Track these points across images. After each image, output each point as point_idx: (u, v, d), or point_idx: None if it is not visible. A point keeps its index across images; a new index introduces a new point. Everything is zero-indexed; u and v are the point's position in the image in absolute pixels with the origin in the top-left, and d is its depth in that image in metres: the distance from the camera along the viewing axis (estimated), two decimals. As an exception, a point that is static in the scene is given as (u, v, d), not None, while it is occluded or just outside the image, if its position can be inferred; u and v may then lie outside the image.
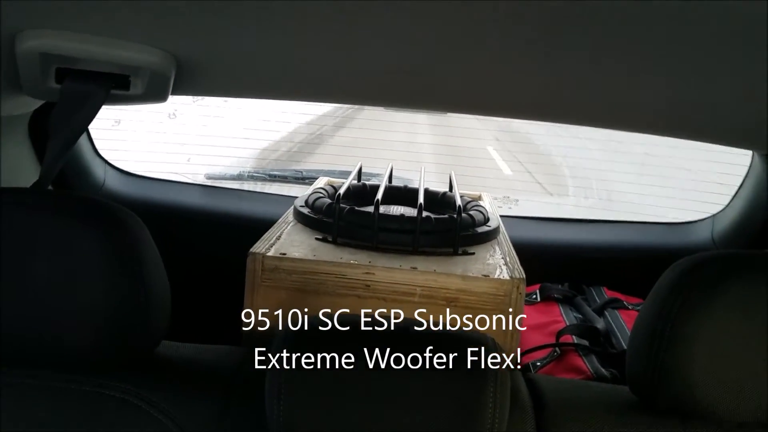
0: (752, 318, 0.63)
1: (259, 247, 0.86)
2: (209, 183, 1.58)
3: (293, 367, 0.62)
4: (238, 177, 1.67)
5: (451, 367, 0.63)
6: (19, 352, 0.66)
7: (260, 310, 0.85)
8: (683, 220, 1.45)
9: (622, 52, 0.64)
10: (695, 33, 0.57)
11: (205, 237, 1.40)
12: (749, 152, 1.28)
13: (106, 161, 1.42)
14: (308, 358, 0.63)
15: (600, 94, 0.80)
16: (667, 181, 1.73)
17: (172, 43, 0.72)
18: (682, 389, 0.65)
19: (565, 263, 1.36)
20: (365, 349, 0.64)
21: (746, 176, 1.31)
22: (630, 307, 1.20)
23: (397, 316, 0.69)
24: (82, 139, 1.32)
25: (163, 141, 1.79)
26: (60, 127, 0.77)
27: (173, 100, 0.87)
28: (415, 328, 0.67)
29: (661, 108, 0.83)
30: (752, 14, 0.52)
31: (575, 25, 0.58)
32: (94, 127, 1.35)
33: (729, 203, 1.36)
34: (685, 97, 0.77)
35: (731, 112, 0.80)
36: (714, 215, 1.39)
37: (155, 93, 0.80)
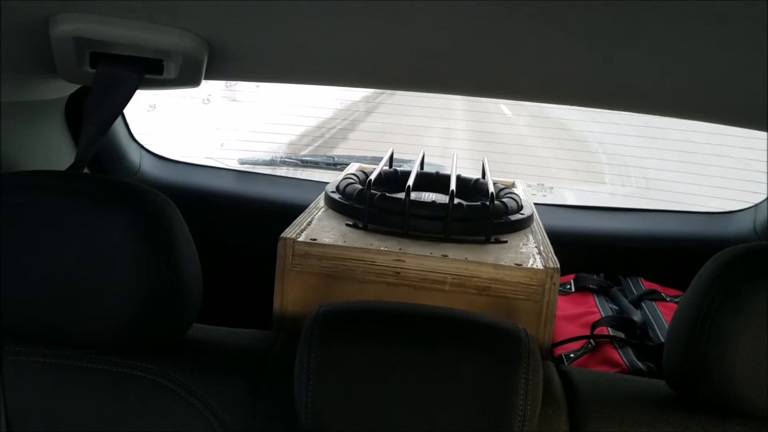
0: None
1: (289, 233, 0.86)
2: (242, 168, 1.59)
3: (322, 352, 0.62)
4: (271, 162, 1.68)
5: (482, 357, 0.62)
6: (52, 334, 0.67)
7: (290, 296, 0.85)
8: (724, 210, 1.41)
9: (644, 32, 0.62)
10: (717, 11, 0.55)
11: (237, 222, 1.41)
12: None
13: (141, 146, 1.43)
14: (337, 343, 0.63)
15: (622, 75, 0.78)
16: (707, 169, 1.68)
17: (205, 27, 0.72)
18: (722, 384, 0.63)
19: (601, 253, 1.33)
20: (395, 337, 0.63)
21: (791, 164, 1.26)
22: (668, 298, 1.17)
23: (427, 305, 0.69)
24: (118, 124, 1.34)
25: (197, 126, 1.81)
26: (95, 111, 0.77)
27: (207, 85, 0.87)
28: (446, 317, 0.66)
29: (691, 90, 0.80)
30: None
31: (588, 6, 0.57)
32: (129, 112, 1.37)
33: (772, 192, 1.31)
34: (697, 77, 0.74)
35: (744, 92, 0.77)
36: (756, 205, 1.35)
37: (188, 77, 0.80)
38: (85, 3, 0.67)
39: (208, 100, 1.95)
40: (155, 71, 0.79)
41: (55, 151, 1.10)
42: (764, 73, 0.68)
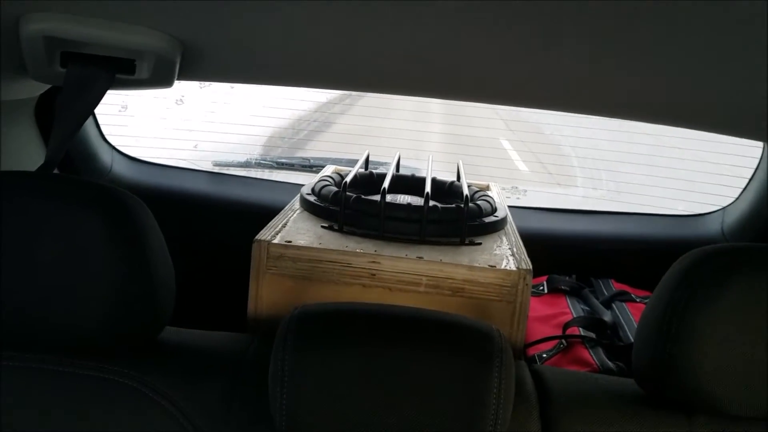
0: (761, 311, 0.63)
1: (264, 235, 0.86)
2: (216, 170, 1.58)
3: (297, 354, 0.62)
4: (246, 164, 1.66)
5: (455, 357, 0.62)
6: (24, 336, 0.66)
7: (265, 298, 0.84)
8: (693, 213, 1.44)
9: (629, 39, 0.63)
10: (701, 20, 0.56)
11: (211, 224, 1.40)
12: (761, 144, 1.27)
13: (113, 147, 1.42)
14: (313, 345, 0.63)
15: (606, 82, 0.79)
16: (677, 173, 1.72)
17: (178, 27, 0.72)
18: (688, 382, 0.65)
19: (573, 255, 1.35)
20: (369, 338, 0.63)
21: (757, 168, 1.29)
22: (638, 299, 1.19)
23: (402, 305, 0.69)
24: (89, 125, 1.32)
25: (170, 127, 1.79)
26: (65, 111, 0.76)
27: (180, 85, 0.86)
28: (420, 318, 0.66)
29: (673, 98, 0.82)
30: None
31: (580, 12, 0.57)
32: (100, 113, 1.35)
33: (739, 196, 1.34)
34: (696, 86, 0.76)
35: (741, 102, 0.79)
36: (724, 208, 1.38)
37: (161, 78, 0.80)
38: (56, 2, 0.67)
39: (181, 100, 1.93)
40: (127, 71, 0.78)
41: (25, 151, 1.08)
42: (764, 86, 0.69)
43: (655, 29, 0.60)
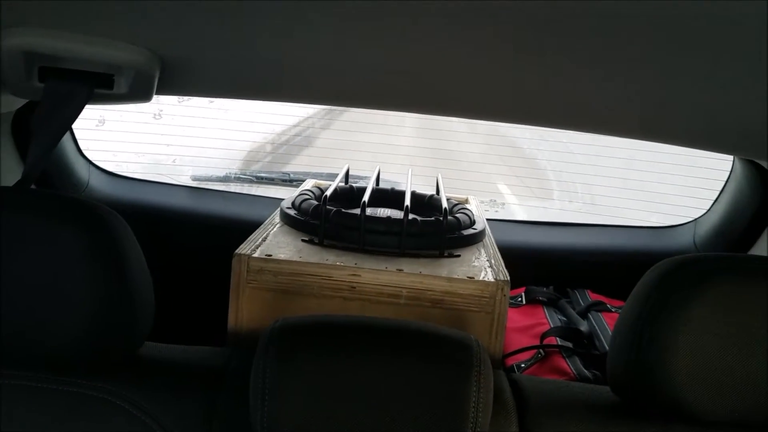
0: (731, 319, 0.64)
1: (244, 249, 0.86)
2: (195, 185, 1.57)
3: (278, 366, 0.62)
4: (225, 179, 1.66)
5: (435, 366, 0.63)
6: (1, 352, 0.65)
7: (245, 312, 0.84)
8: (666, 224, 1.47)
9: (613, 56, 0.65)
10: (686, 38, 0.58)
11: (190, 239, 1.39)
12: (730, 158, 1.30)
13: (90, 161, 1.41)
14: (293, 358, 0.63)
15: (590, 98, 0.81)
16: (650, 186, 1.75)
17: (157, 42, 0.72)
18: (661, 390, 0.66)
19: (550, 266, 1.37)
20: (350, 349, 0.64)
21: (727, 181, 1.33)
22: (613, 309, 1.21)
23: (381, 317, 0.70)
24: (66, 139, 1.31)
25: (148, 142, 1.78)
26: (43, 126, 0.76)
27: (158, 100, 0.87)
28: (401, 329, 0.67)
29: (653, 113, 0.83)
30: (744, 18, 0.52)
31: (565, 28, 0.59)
32: (78, 128, 1.34)
33: (711, 207, 1.38)
34: (672, 102, 0.78)
35: (713, 118, 0.82)
36: (696, 219, 1.41)
37: (140, 92, 0.80)
38: (35, 17, 0.67)
39: (159, 115, 1.92)
40: (105, 86, 0.78)
41: (1, 166, 1.07)
42: (748, 102, 0.71)
43: (636, 47, 0.61)
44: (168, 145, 1.88)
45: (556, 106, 0.85)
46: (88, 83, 0.76)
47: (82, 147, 1.38)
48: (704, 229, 1.37)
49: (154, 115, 1.88)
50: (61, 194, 0.68)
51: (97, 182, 1.41)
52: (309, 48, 0.71)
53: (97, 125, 1.63)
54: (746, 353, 0.64)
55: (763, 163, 1.17)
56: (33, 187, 0.82)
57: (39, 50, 0.71)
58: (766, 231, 1.23)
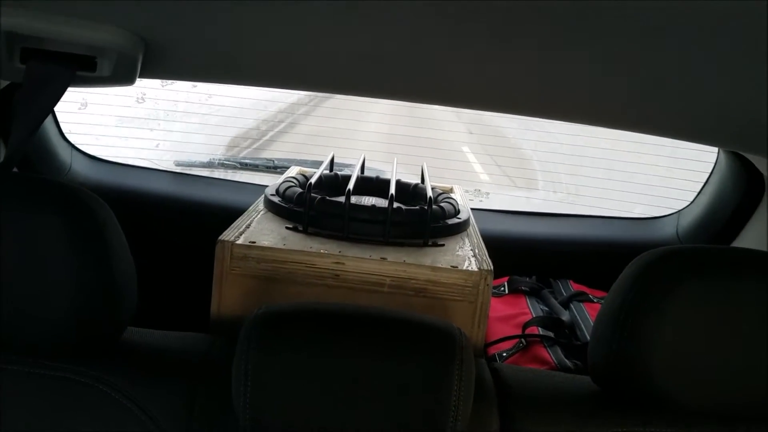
0: (712, 311, 0.65)
1: (228, 235, 0.86)
2: (178, 170, 1.56)
3: (261, 353, 0.62)
4: (208, 164, 1.65)
5: (417, 355, 0.63)
6: None
7: (228, 298, 0.84)
8: (649, 216, 1.48)
9: (596, 45, 0.65)
10: (670, 28, 0.58)
11: (173, 224, 1.38)
12: (715, 150, 1.31)
13: (72, 145, 1.39)
14: (276, 345, 0.63)
15: (573, 88, 0.81)
16: (634, 177, 1.76)
17: (140, 25, 0.71)
18: (641, 379, 0.67)
19: (534, 256, 1.38)
20: (332, 336, 0.64)
21: (711, 173, 1.34)
22: (595, 300, 1.22)
23: (365, 306, 0.70)
24: (48, 123, 1.30)
25: (131, 126, 1.76)
26: (25, 108, 0.75)
27: (141, 83, 0.86)
28: (384, 317, 0.67)
29: (637, 104, 0.84)
30: (730, 8, 0.52)
31: (549, 16, 0.59)
32: (60, 110, 1.33)
33: (694, 200, 1.39)
34: (657, 93, 0.78)
35: (698, 109, 0.82)
36: (679, 211, 1.42)
37: (122, 75, 0.79)
38: None
39: (142, 99, 1.90)
40: (88, 68, 0.77)
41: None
42: (738, 95, 0.72)
43: (621, 37, 0.61)
44: (151, 129, 1.86)
45: (540, 95, 0.85)
46: (70, 65, 0.75)
47: (64, 130, 1.36)
48: (687, 220, 1.38)
49: (138, 98, 1.86)
50: (44, 178, 0.68)
51: (79, 166, 1.39)
52: (295, 33, 0.71)
53: (79, 108, 1.61)
54: (727, 345, 0.65)
55: (748, 156, 1.18)
56: (14, 170, 0.81)
57: (20, 31, 0.69)
58: (748, 223, 1.25)
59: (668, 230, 1.41)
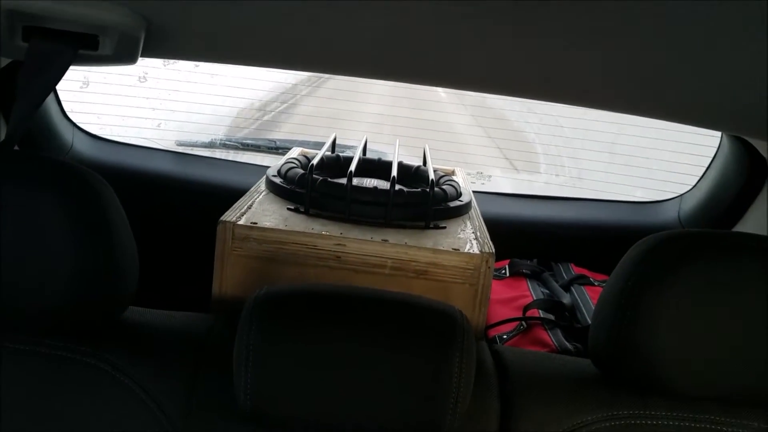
0: (712, 296, 0.65)
1: (229, 216, 0.86)
2: (180, 150, 1.56)
3: (262, 334, 0.63)
4: (210, 145, 1.64)
5: (418, 337, 0.64)
6: None
7: (230, 279, 0.84)
8: (651, 200, 1.48)
9: (598, 28, 0.64)
10: (674, 10, 0.58)
11: (174, 204, 1.39)
12: (718, 134, 1.31)
13: (74, 124, 1.39)
14: (277, 326, 0.63)
15: (575, 70, 0.80)
16: (636, 161, 1.76)
17: (142, 3, 0.71)
18: (642, 363, 0.67)
19: (535, 239, 1.38)
20: (333, 318, 0.64)
21: (714, 157, 1.34)
22: (596, 283, 1.22)
23: (366, 287, 0.70)
24: (50, 101, 1.29)
25: (132, 105, 1.76)
26: (27, 86, 0.75)
27: (143, 62, 0.85)
28: (385, 299, 0.67)
29: (640, 87, 0.83)
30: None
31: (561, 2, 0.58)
32: (62, 89, 1.32)
33: (696, 184, 1.39)
34: (660, 76, 0.77)
35: (702, 93, 0.82)
36: (681, 195, 1.42)
37: (124, 54, 0.78)
38: None
39: (144, 78, 1.89)
40: (90, 47, 0.76)
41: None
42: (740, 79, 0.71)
43: (623, 19, 0.61)
44: (153, 108, 1.85)
45: (543, 78, 0.85)
46: (72, 44, 0.75)
47: (66, 109, 1.36)
48: (689, 205, 1.38)
49: (139, 77, 1.85)
50: (45, 156, 0.67)
51: (80, 145, 1.39)
52: (299, 13, 0.70)
53: (81, 87, 1.60)
54: (728, 330, 0.65)
55: (751, 141, 1.17)
56: (16, 148, 0.81)
57: (22, 9, 0.69)
58: (750, 208, 1.25)
59: (670, 214, 1.41)
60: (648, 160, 1.72)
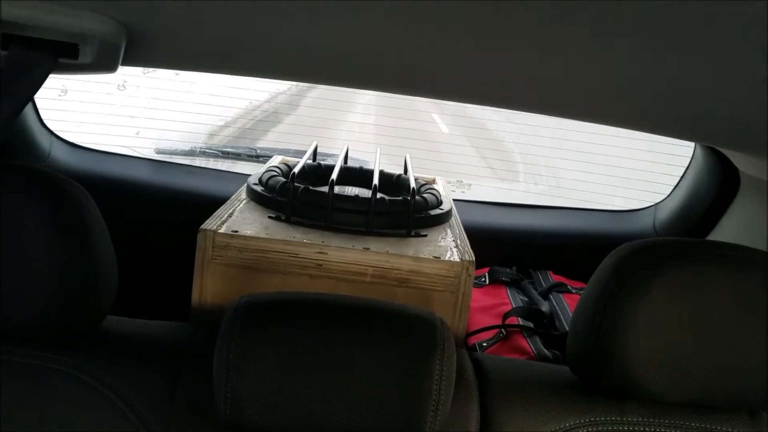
0: (688, 303, 0.66)
1: (210, 224, 0.86)
2: (159, 158, 1.55)
3: (242, 343, 0.63)
4: (190, 152, 1.63)
5: (399, 344, 0.64)
6: None
7: (210, 288, 0.84)
8: (627, 208, 1.50)
9: (573, 37, 0.65)
10: (647, 19, 0.59)
11: (154, 212, 1.38)
12: (691, 144, 1.33)
13: (51, 132, 1.37)
14: (258, 334, 0.63)
15: (563, 85, 0.82)
16: (613, 170, 1.78)
17: (122, 12, 0.70)
18: (619, 369, 0.68)
19: (514, 247, 1.39)
20: (314, 326, 0.64)
21: (688, 167, 1.36)
22: (574, 291, 1.24)
23: (347, 295, 0.70)
24: (27, 109, 1.28)
25: (111, 113, 1.74)
26: (5, 95, 0.74)
27: (123, 71, 0.85)
28: (366, 306, 0.68)
29: (614, 98, 0.84)
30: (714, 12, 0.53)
31: (524, 5, 0.59)
32: (40, 97, 1.31)
33: (671, 193, 1.41)
34: (633, 87, 0.79)
35: (675, 104, 0.83)
36: (656, 204, 1.45)
37: (105, 63, 0.78)
38: None
39: (123, 86, 1.88)
40: (70, 55, 0.76)
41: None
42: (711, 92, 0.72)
43: (598, 29, 0.62)
44: (132, 117, 1.84)
45: (523, 91, 0.86)
46: (51, 52, 0.74)
47: (43, 117, 1.35)
48: (664, 213, 1.40)
49: (118, 85, 1.84)
50: (23, 165, 0.67)
51: (59, 153, 1.38)
52: (279, 22, 0.71)
53: (59, 95, 1.59)
54: (703, 337, 0.66)
55: (724, 151, 1.20)
56: (-8, 157, 0.80)
57: (1, 17, 0.68)
58: (724, 217, 1.27)
59: (645, 223, 1.44)
60: (624, 170, 1.75)
